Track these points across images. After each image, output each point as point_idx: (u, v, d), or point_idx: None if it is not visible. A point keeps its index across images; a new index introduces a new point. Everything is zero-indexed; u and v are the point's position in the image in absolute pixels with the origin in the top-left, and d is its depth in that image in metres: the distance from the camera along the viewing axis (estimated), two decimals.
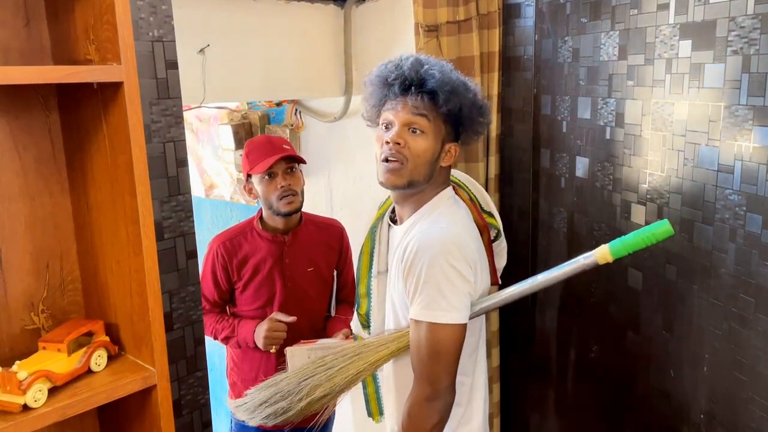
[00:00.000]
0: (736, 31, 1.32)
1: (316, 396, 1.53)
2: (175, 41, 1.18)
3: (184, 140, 1.21)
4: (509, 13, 2.22)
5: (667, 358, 1.61)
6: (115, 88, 1.08)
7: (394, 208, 1.67)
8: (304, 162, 2.21)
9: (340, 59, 2.58)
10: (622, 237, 1.41)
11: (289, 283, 2.24)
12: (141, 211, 1.10)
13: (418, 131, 1.48)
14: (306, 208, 3.10)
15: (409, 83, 1.49)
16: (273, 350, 2.14)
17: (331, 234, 2.36)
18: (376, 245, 1.67)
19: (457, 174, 1.71)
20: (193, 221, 1.25)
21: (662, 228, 1.34)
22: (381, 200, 1.78)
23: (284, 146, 2.17)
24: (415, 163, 1.48)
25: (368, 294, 1.68)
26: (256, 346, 2.16)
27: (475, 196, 1.63)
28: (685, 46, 1.46)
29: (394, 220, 1.66)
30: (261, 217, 2.27)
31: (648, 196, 1.63)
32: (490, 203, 1.69)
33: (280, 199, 2.13)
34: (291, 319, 2.13)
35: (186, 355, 1.26)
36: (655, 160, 1.60)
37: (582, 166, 1.91)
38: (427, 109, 1.48)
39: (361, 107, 2.69)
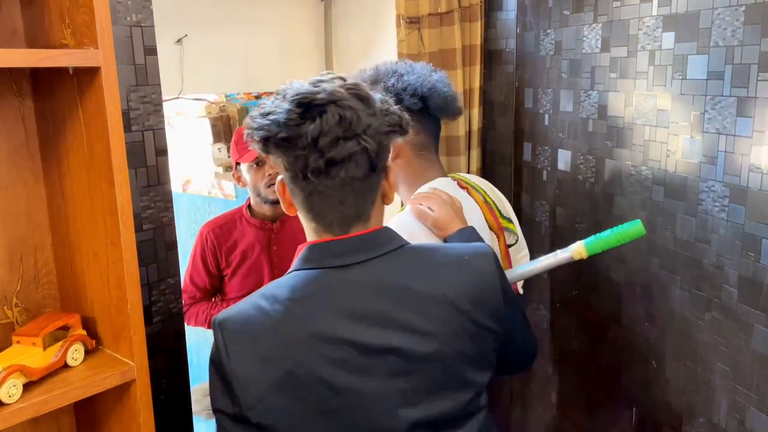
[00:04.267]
0: (719, 23, 1.32)
1: None
2: (153, 27, 1.15)
3: (164, 129, 1.18)
4: (491, 6, 2.21)
5: (649, 349, 1.62)
6: (92, 73, 1.04)
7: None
8: None
9: (320, 51, 2.55)
10: (598, 234, 1.40)
11: (276, 270, 2.24)
12: (119, 201, 1.07)
13: None
14: None
15: None
16: None
17: None
18: None
19: (474, 179, 1.69)
20: (172, 212, 1.22)
21: (635, 228, 1.35)
22: None
23: None
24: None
25: None
26: None
27: (492, 200, 1.61)
28: (668, 38, 1.46)
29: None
30: (250, 205, 2.28)
31: (631, 189, 1.63)
32: (509, 209, 1.69)
33: (268, 187, 2.16)
34: None
35: (166, 349, 1.23)
36: (637, 152, 1.60)
37: (564, 158, 1.91)
38: None
39: None
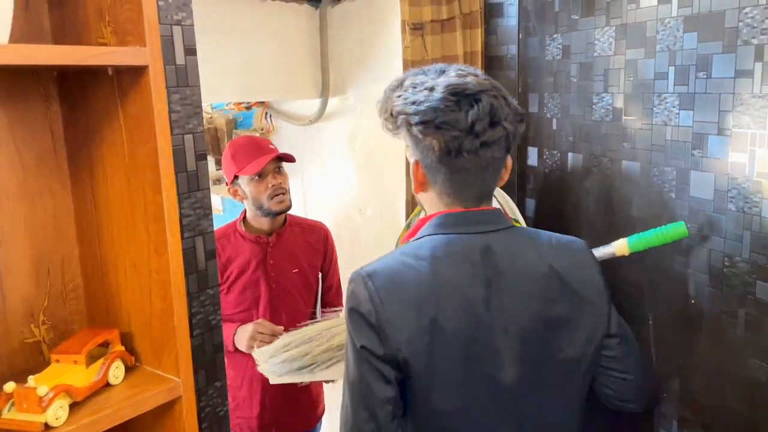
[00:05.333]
0: (749, 21, 1.34)
1: (334, 344, 1.53)
2: (193, 26, 1.10)
3: (203, 132, 1.13)
4: (491, 13, 2.22)
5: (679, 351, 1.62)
6: (137, 73, 0.99)
7: None
8: (294, 160, 2.15)
9: (316, 60, 2.52)
10: (640, 233, 1.44)
11: (273, 285, 2.19)
12: (166, 207, 1.01)
13: None
14: None
15: None
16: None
17: (316, 236, 2.31)
18: None
19: None
20: (211, 219, 1.16)
21: (678, 229, 1.41)
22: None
23: (270, 146, 2.13)
24: None
25: None
26: (236, 350, 2.09)
27: (499, 200, 1.61)
28: (691, 39, 1.48)
29: None
30: (244, 219, 2.21)
31: (651, 190, 1.64)
32: (515, 209, 1.68)
33: (272, 198, 2.10)
34: (278, 329, 2.07)
35: (206, 363, 1.17)
36: (657, 153, 1.61)
37: (575, 162, 1.92)
38: None
39: (338, 108, 2.66)
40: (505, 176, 1.20)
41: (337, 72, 2.53)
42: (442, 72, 1.57)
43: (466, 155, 1.08)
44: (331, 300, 2.37)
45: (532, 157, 2.11)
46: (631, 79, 1.67)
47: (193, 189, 1.12)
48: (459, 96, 1.08)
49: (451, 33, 2.19)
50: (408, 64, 2.08)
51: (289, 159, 2.16)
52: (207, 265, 1.16)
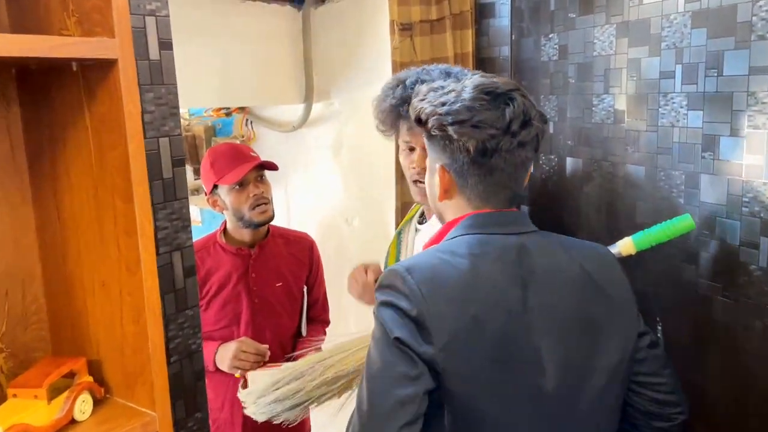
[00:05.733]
0: (761, 15, 1.27)
1: (329, 377, 1.45)
2: (168, 17, 0.99)
3: (181, 135, 1.02)
4: (482, 13, 2.13)
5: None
6: (105, 68, 0.88)
7: (421, 213, 1.65)
8: (276, 168, 2.04)
9: (299, 63, 2.41)
10: (645, 230, 1.37)
11: (256, 299, 2.07)
12: (139, 219, 0.90)
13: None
14: None
15: None
16: (238, 374, 1.95)
17: (301, 247, 2.20)
18: (403, 249, 1.57)
19: None
20: (190, 231, 1.05)
21: (684, 222, 1.34)
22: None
23: (251, 153, 2.02)
24: None
25: None
26: (217, 370, 1.96)
27: None
28: (699, 35, 1.40)
29: (421, 222, 1.59)
30: (224, 230, 2.08)
31: (658, 195, 1.55)
32: None
33: (253, 209, 1.98)
34: (263, 348, 1.95)
35: (185, 393, 1.05)
36: (664, 156, 1.53)
37: (574, 166, 1.83)
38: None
39: (322, 114, 2.56)
40: (528, 178, 1.18)
41: (321, 76, 2.42)
42: (448, 74, 1.52)
43: (503, 155, 1.06)
44: (317, 314, 2.26)
45: None
46: (634, 78, 1.59)
47: (169, 198, 1.01)
48: (491, 94, 1.06)
49: (441, 34, 2.10)
50: (397, 66, 1.98)
51: (272, 167, 2.05)
52: (186, 283, 1.04)
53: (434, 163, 1.14)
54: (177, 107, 1.01)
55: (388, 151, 2.22)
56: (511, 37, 2.04)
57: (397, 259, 1.64)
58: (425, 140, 1.16)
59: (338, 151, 2.46)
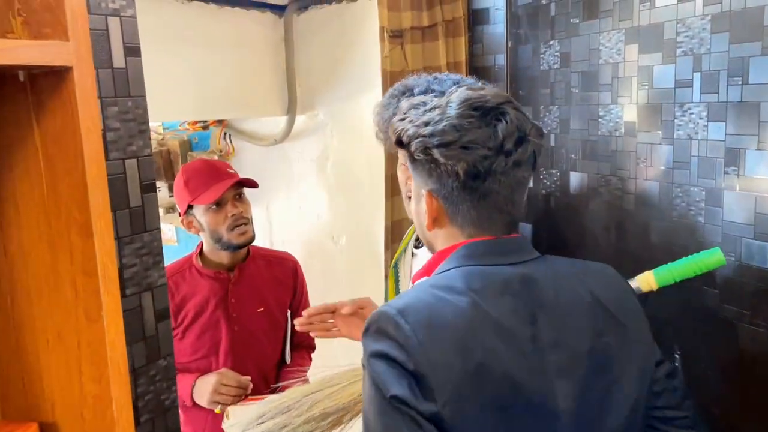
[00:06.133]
0: None
1: (315, 414, 1.32)
2: (135, 18, 0.85)
3: (151, 156, 0.88)
4: (476, 20, 2.02)
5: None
6: (57, 77, 0.73)
7: (416, 236, 1.51)
8: (256, 186, 1.89)
9: (281, 72, 2.27)
10: (669, 264, 1.23)
11: (236, 327, 1.91)
12: (100, 257, 0.75)
13: None
14: None
15: None
16: (218, 410, 1.79)
17: (284, 269, 2.04)
18: (403, 279, 1.45)
19: None
20: (163, 267, 0.91)
21: (714, 257, 1.22)
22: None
23: (229, 170, 1.87)
24: None
25: None
26: (194, 404, 1.80)
27: None
28: (720, 40, 1.30)
29: (417, 246, 1.50)
30: (201, 253, 1.92)
31: (675, 213, 1.44)
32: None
33: (232, 230, 1.82)
34: (245, 380, 1.80)
35: None
36: (683, 170, 1.41)
37: (578, 182, 1.71)
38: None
39: (306, 127, 2.42)
40: (524, 198, 1.06)
41: (304, 86, 2.29)
42: (430, 90, 1.41)
43: (497, 177, 0.94)
44: (301, 340, 2.10)
45: None
46: (646, 87, 1.48)
47: (137, 230, 0.86)
48: (480, 110, 0.94)
49: (433, 42, 1.98)
50: (387, 76, 1.85)
51: (252, 185, 1.90)
52: (158, 329, 0.89)
53: (420, 188, 1.01)
54: (146, 123, 0.87)
55: (377, 165, 2.09)
56: (507, 45, 1.93)
57: (398, 293, 1.50)
58: (408, 163, 1.02)
59: (323, 166, 2.32)
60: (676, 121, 1.42)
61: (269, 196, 2.53)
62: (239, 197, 1.87)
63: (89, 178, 0.74)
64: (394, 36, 1.88)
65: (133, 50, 0.84)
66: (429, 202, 0.99)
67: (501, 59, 1.96)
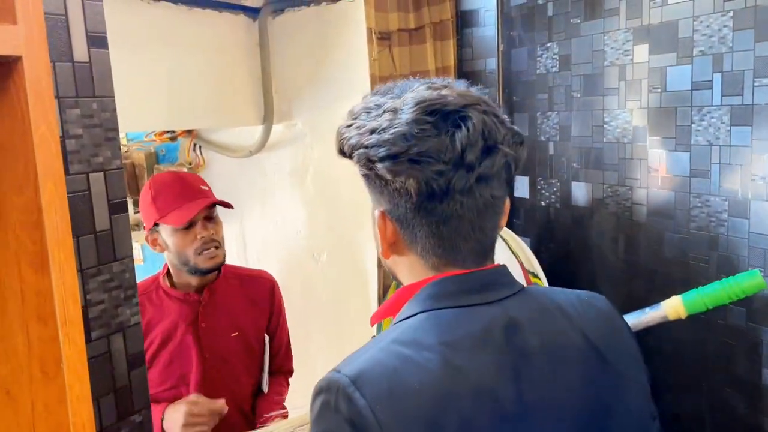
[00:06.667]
0: None
1: None
2: (102, 2, 0.70)
3: (122, 168, 0.73)
4: (464, 22, 1.91)
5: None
6: (2, 70, 0.58)
7: None
8: (231, 207, 1.73)
9: (256, 79, 2.13)
10: (700, 288, 1.12)
11: (207, 354, 1.73)
12: (59, 296, 0.60)
13: None
14: None
15: None
16: None
17: (259, 288, 1.86)
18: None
19: None
20: (137, 304, 0.75)
21: (752, 281, 1.10)
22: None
23: (202, 187, 1.70)
24: None
25: None
26: None
27: (516, 252, 1.27)
28: (744, 38, 1.20)
29: None
30: (168, 272, 1.74)
31: (694, 224, 1.34)
32: (533, 261, 1.35)
33: (200, 254, 1.65)
34: (218, 405, 1.63)
35: None
36: (701, 180, 1.31)
37: (581, 193, 1.60)
38: None
39: (284, 137, 2.27)
40: (503, 221, 0.89)
41: (282, 94, 2.14)
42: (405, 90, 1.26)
43: (457, 197, 0.78)
44: (279, 365, 1.93)
45: (522, 187, 1.79)
46: (658, 91, 1.38)
47: (105, 259, 0.71)
48: (437, 114, 0.77)
49: (421, 45, 1.86)
50: (376, 80, 1.73)
51: (226, 206, 1.74)
52: (131, 378, 0.74)
53: (374, 208, 0.85)
54: (115, 130, 0.72)
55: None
56: (499, 48, 1.82)
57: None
58: (361, 177, 0.86)
59: (303, 179, 2.17)
60: (693, 126, 1.32)
61: (243, 212, 2.37)
62: (211, 218, 1.70)
63: (44, 196, 0.58)
64: (382, 38, 1.76)
65: (98, 41, 0.69)
66: (382, 224, 0.83)
67: (492, 63, 1.85)
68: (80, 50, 0.68)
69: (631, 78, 1.44)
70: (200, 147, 2.42)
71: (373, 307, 1.98)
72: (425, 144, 0.76)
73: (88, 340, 0.69)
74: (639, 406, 0.86)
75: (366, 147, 0.78)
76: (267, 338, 1.89)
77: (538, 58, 1.69)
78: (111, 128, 0.71)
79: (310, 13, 2.04)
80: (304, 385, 2.12)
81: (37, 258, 0.60)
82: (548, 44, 1.65)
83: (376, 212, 0.83)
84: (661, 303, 1.12)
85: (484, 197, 0.79)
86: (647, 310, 1.13)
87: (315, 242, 2.20)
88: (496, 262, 0.85)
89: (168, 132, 2.38)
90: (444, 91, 0.79)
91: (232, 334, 1.79)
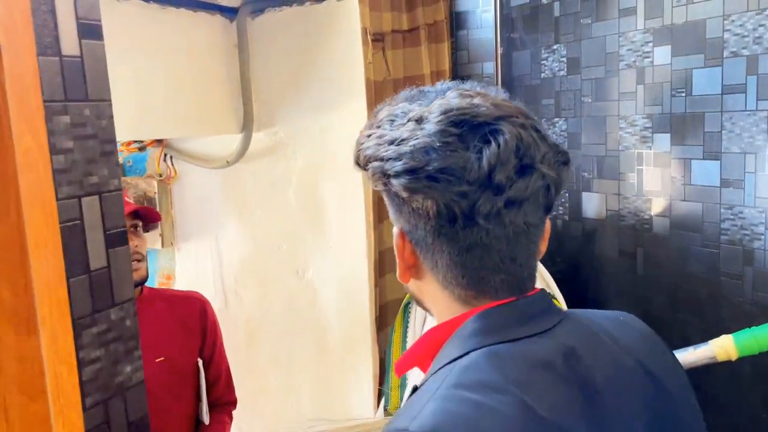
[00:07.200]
0: None
1: None
2: None
3: (120, 190, 0.59)
4: (459, 24, 1.80)
5: None
6: None
7: None
8: (158, 220, 1.59)
9: (234, 84, 1.97)
10: (754, 328, 1.03)
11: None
12: (49, 362, 0.46)
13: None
14: (186, 285, 2.36)
15: None
16: None
17: (189, 309, 1.67)
18: (411, 322, 1.20)
19: None
20: (139, 357, 0.61)
21: None
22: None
23: (125, 198, 1.53)
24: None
25: (402, 385, 1.19)
26: None
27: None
28: None
29: None
30: None
31: (725, 237, 1.25)
32: (551, 283, 1.24)
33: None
34: None
35: None
36: (734, 190, 1.22)
37: (593, 204, 1.51)
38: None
39: (264, 146, 2.12)
40: (544, 246, 0.77)
41: (262, 100, 2.00)
42: (438, 95, 1.18)
43: (482, 223, 0.67)
44: (220, 395, 1.74)
45: None
46: (683, 95, 1.29)
47: (102, 305, 0.57)
48: (464, 126, 0.67)
49: (415, 47, 1.75)
50: (371, 85, 1.60)
51: (152, 218, 1.58)
52: None
53: (394, 224, 0.76)
54: (113, 141, 0.58)
55: (350, 188, 1.83)
56: (497, 51, 1.71)
57: (404, 337, 1.24)
58: (381, 191, 0.77)
59: (285, 191, 2.03)
60: (723, 132, 1.23)
61: (219, 226, 2.21)
62: (135, 229, 1.53)
63: (30, 230, 0.44)
64: (375, 40, 1.64)
65: (91, 30, 0.55)
66: (401, 245, 0.74)
67: (489, 67, 1.75)
68: (69, 41, 0.53)
69: (651, 81, 1.34)
70: (171, 157, 2.25)
71: (365, 328, 1.84)
72: (447, 159, 0.66)
73: (85, 408, 0.54)
74: (698, 429, 0.80)
75: (382, 159, 0.69)
76: (201, 363, 1.70)
77: (543, 61, 1.59)
78: (107, 140, 0.57)
79: (292, 14, 1.90)
80: (287, 413, 1.97)
81: (20, 313, 0.45)
82: (554, 46, 1.55)
83: (395, 229, 0.75)
84: (710, 342, 1.02)
85: (514, 224, 0.68)
86: (694, 348, 1.03)
87: (298, 258, 2.05)
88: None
89: (136, 141, 2.21)
90: (476, 100, 0.69)
91: (157, 360, 1.59)
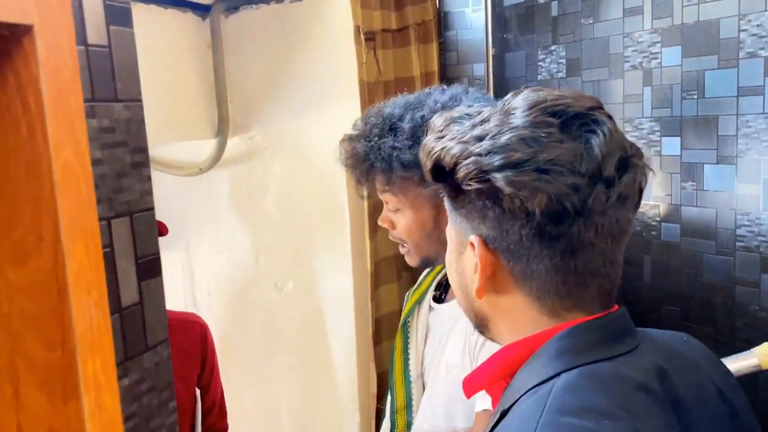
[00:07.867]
0: None
1: None
2: None
3: (152, 209, 0.49)
4: (447, 24, 1.73)
5: None
6: (14, 45, 0.33)
7: (438, 284, 1.19)
8: (165, 233, 1.46)
9: (208, 86, 1.86)
10: None
11: None
12: (90, 413, 0.36)
13: (393, 209, 1.13)
14: None
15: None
16: None
17: (189, 336, 1.51)
18: (412, 338, 1.16)
19: None
20: (174, 410, 0.51)
21: None
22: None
23: None
24: (413, 242, 1.12)
25: (408, 405, 1.14)
26: None
27: None
28: None
29: (439, 299, 1.17)
30: None
31: (741, 248, 1.21)
32: None
33: None
34: None
35: None
36: (748, 196, 1.19)
37: None
38: (385, 180, 1.08)
39: (240, 152, 2.01)
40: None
41: (238, 103, 1.89)
42: (457, 99, 1.16)
43: (595, 218, 0.62)
44: (212, 423, 1.60)
45: None
46: (694, 97, 1.25)
47: (134, 352, 0.47)
48: (562, 116, 0.63)
49: (405, 48, 1.67)
50: (364, 86, 1.51)
51: (160, 233, 1.44)
52: None
53: (463, 235, 0.69)
54: (144, 150, 0.49)
55: (332, 194, 1.74)
56: (488, 52, 1.65)
57: (406, 356, 1.16)
58: (446, 201, 0.71)
59: (262, 199, 1.92)
60: (738, 137, 1.19)
61: (190, 237, 2.08)
62: None
63: (71, 265, 0.34)
64: (367, 39, 1.55)
65: (120, 14, 0.45)
66: (483, 254, 0.66)
67: (480, 69, 1.69)
68: (96, 28, 0.43)
69: (659, 83, 1.30)
70: None
71: (351, 345, 1.75)
72: (554, 150, 0.61)
73: None
74: None
75: (477, 155, 0.63)
76: (199, 393, 1.56)
77: (540, 63, 1.54)
78: (139, 148, 0.48)
79: (270, 12, 1.79)
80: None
81: (54, 373, 0.35)
82: (552, 47, 1.50)
83: (472, 238, 0.67)
84: (753, 350, 0.98)
85: (620, 222, 0.64)
86: (737, 357, 0.98)
87: (278, 270, 1.94)
88: None
89: None
90: (558, 92, 0.65)
91: None
